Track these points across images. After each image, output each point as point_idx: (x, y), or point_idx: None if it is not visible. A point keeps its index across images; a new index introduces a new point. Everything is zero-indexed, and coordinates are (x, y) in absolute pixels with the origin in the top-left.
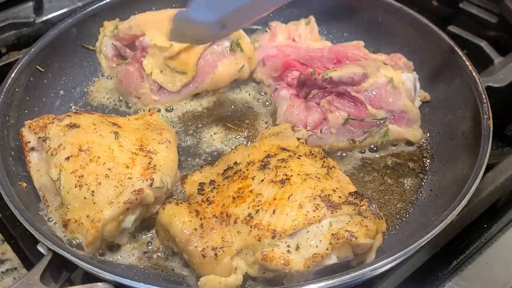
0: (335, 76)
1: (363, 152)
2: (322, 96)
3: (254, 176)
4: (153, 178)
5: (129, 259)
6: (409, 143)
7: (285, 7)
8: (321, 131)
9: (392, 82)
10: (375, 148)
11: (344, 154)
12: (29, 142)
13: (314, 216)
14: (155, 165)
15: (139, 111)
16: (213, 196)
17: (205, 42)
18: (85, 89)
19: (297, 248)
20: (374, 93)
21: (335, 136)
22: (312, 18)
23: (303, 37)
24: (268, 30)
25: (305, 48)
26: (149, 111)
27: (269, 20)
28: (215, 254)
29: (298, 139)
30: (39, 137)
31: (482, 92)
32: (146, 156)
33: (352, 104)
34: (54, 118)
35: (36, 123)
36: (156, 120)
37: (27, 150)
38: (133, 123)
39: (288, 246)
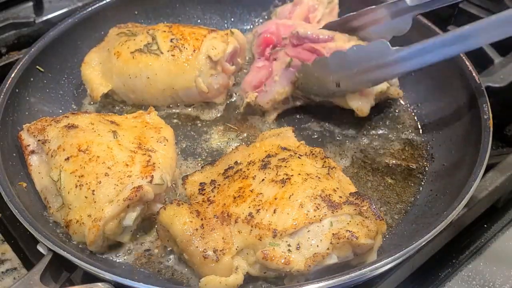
0: (301, 31)
1: (364, 152)
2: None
3: (255, 176)
4: (152, 176)
5: (129, 259)
6: (410, 143)
7: None
8: (265, 85)
9: None
10: (375, 149)
11: (344, 154)
12: (28, 145)
13: (315, 216)
14: (154, 163)
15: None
16: (214, 196)
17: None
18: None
19: (298, 247)
20: None
21: (279, 83)
22: None
23: (318, 17)
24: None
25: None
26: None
27: None
28: (216, 255)
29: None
30: (39, 140)
31: (482, 92)
32: (145, 154)
33: (309, 53)
34: (52, 120)
35: (34, 126)
36: (153, 119)
37: (27, 153)
38: (131, 121)
39: (289, 245)
